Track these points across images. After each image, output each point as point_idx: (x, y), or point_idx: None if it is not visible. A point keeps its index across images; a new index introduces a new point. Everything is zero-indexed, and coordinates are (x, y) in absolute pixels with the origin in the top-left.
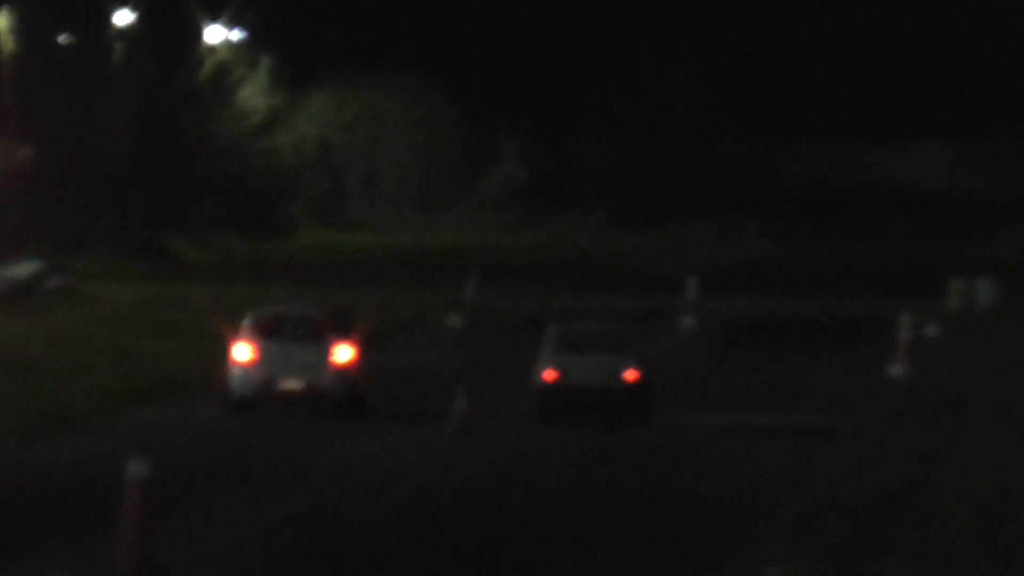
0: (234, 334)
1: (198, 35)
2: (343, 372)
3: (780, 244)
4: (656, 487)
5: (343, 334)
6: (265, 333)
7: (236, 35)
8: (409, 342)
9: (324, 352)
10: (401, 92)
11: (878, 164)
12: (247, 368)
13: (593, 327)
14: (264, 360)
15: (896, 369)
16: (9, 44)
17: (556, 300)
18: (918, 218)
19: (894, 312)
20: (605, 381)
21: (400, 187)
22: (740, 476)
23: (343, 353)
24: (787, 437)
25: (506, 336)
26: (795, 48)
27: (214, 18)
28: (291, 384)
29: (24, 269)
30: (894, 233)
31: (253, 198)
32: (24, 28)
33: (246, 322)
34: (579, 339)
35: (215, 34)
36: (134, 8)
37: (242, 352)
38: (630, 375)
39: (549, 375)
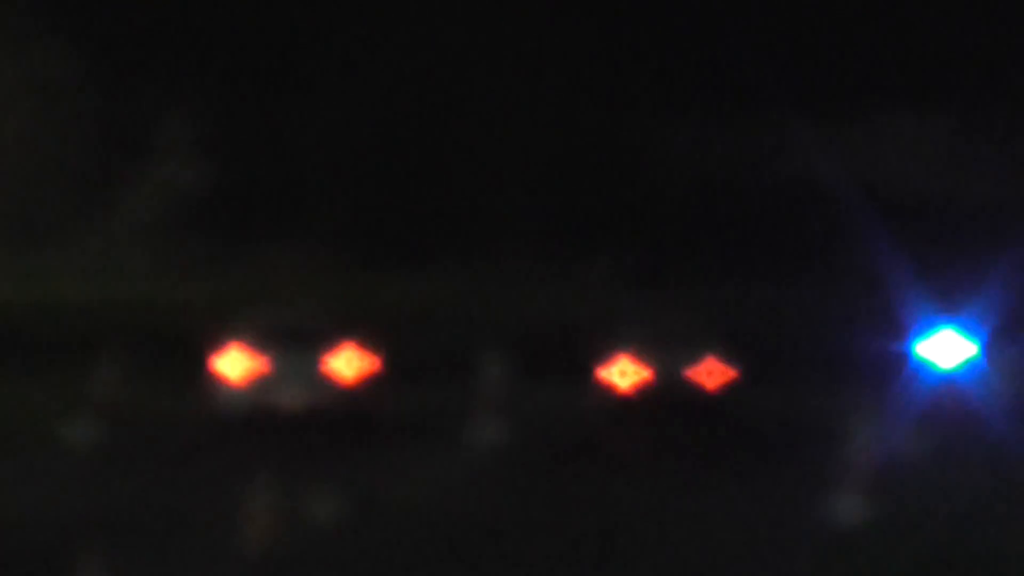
0: (217, 344)
1: None
2: (345, 389)
3: (649, 287)
4: None
5: (348, 340)
6: (257, 343)
7: None
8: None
9: (318, 363)
10: None
11: (822, 148)
12: (238, 386)
13: None
14: (259, 375)
15: (847, 506)
16: None
17: None
18: (898, 234)
19: (845, 404)
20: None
21: None
22: None
23: (346, 364)
24: None
25: (171, 459)
26: None
27: None
28: (287, 404)
29: None
30: (848, 263)
31: None
32: None
33: (234, 330)
34: None
35: None
36: None
37: (232, 366)
38: (714, 374)
39: None
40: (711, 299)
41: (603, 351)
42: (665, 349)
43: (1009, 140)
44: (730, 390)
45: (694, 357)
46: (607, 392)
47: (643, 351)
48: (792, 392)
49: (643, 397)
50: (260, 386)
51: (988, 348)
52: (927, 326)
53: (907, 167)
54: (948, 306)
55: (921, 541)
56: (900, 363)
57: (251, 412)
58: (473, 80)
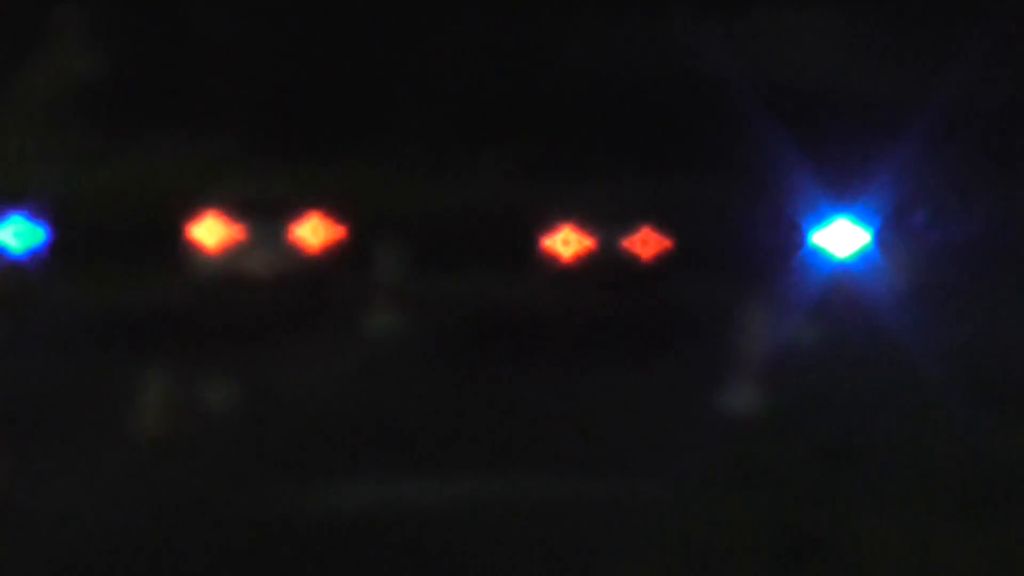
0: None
1: None
2: (311, 257)
3: (542, 182)
4: None
5: (314, 210)
6: (228, 211)
7: None
8: None
9: (284, 231)
10: None
11: (716, 42)
12: (211, 254)
13: None
14: (230, 245)
15: (740, 396)
16: None
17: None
18: (793, 125)
19: (743, 292)
20: None
21: None
22: None
23: (312, 232)
24: (565, 517)
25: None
26: None
27: None
28: (254, 271)
29: None
30: (743, 155)
31: None
32: None
33: (204, 198)
34: None
35: None
36: None
37: (206, 233)
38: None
39: None
40: (611, 193)
41: (547, 222)
42: (606, 220)
43: (899, 30)
44: (660, 264)
45: (629, 230)
46: (551, 261)
47: (586, 221)
48: (690, 280)
49: (585, 266)
50: (234, 253)
51: (881, 236)
52: (822, 215)
53: (799, 59)
54: (842, 195)
55: (814, 430)
56: (795, 252)
57: (226, 279)
58: None
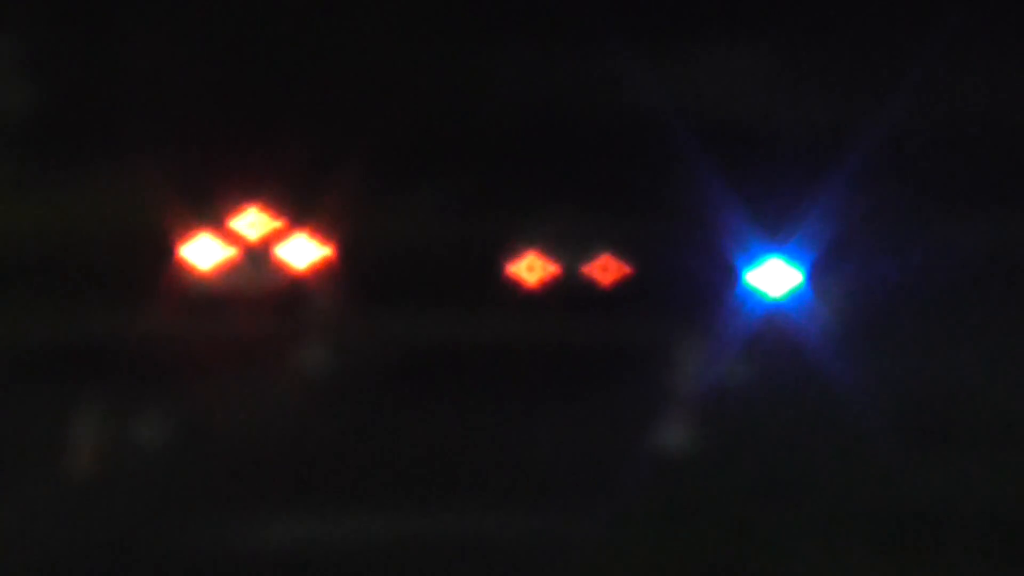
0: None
1: None
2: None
3: (478, 219)
4: None
5: (306, 225)
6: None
7: None
8: None
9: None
10: None
11: (647, 80)
12: (205, 274)
13: None
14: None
15: (672, 433)
16: None
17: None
18: (725, 164)
19: (677, 332)
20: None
21: None
22: None
23: (300, 251)
24: (495, 553)
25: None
26: None
27: None
28: (247, 290)
29: None
30: (675, 194)
31: None
32: None
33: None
34: None
35: None
36: None
37: (201, 254)
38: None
39: None
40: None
41: (513, 248)
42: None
43: (829, 69)
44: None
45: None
46: (514, 287)
47: (550, 248)
48: (642, 313)
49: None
50: (227, 273)
51: (813, 276)
52: (755, 255)
53: (729, 98)
54: (775, 235)
55: (745, 469)
56: (729, 291)
57: (217, 299)
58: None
